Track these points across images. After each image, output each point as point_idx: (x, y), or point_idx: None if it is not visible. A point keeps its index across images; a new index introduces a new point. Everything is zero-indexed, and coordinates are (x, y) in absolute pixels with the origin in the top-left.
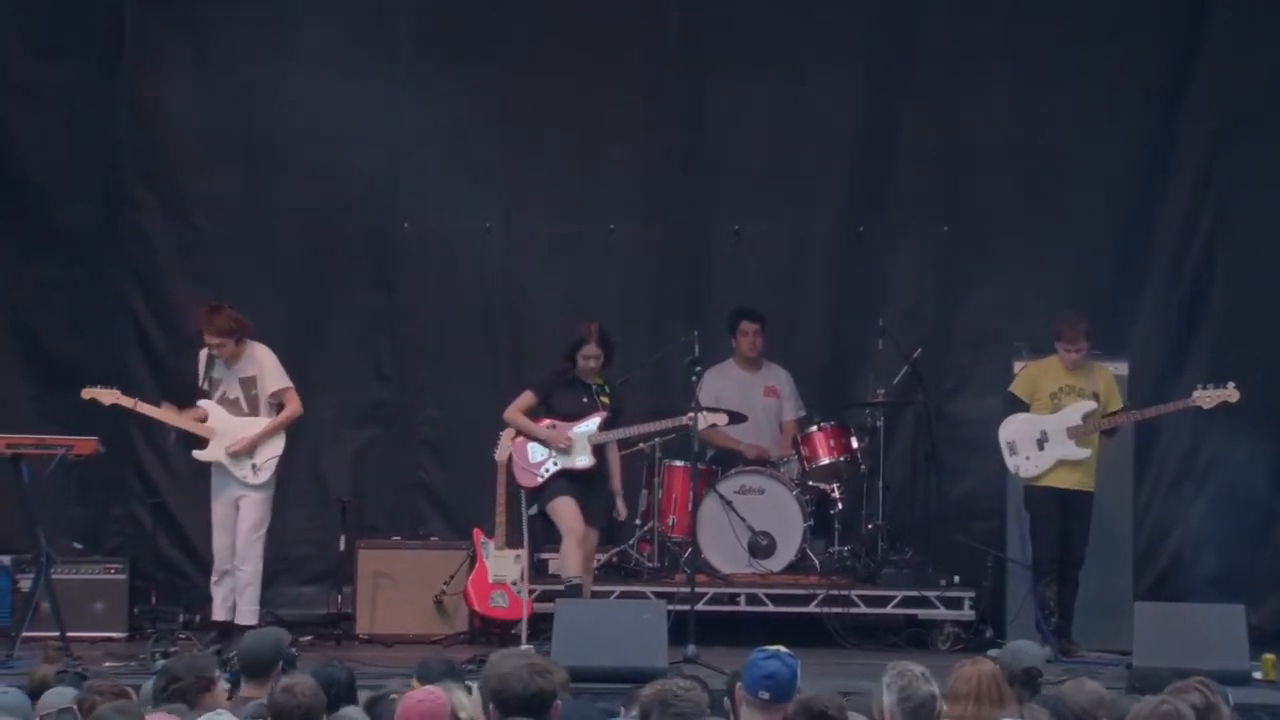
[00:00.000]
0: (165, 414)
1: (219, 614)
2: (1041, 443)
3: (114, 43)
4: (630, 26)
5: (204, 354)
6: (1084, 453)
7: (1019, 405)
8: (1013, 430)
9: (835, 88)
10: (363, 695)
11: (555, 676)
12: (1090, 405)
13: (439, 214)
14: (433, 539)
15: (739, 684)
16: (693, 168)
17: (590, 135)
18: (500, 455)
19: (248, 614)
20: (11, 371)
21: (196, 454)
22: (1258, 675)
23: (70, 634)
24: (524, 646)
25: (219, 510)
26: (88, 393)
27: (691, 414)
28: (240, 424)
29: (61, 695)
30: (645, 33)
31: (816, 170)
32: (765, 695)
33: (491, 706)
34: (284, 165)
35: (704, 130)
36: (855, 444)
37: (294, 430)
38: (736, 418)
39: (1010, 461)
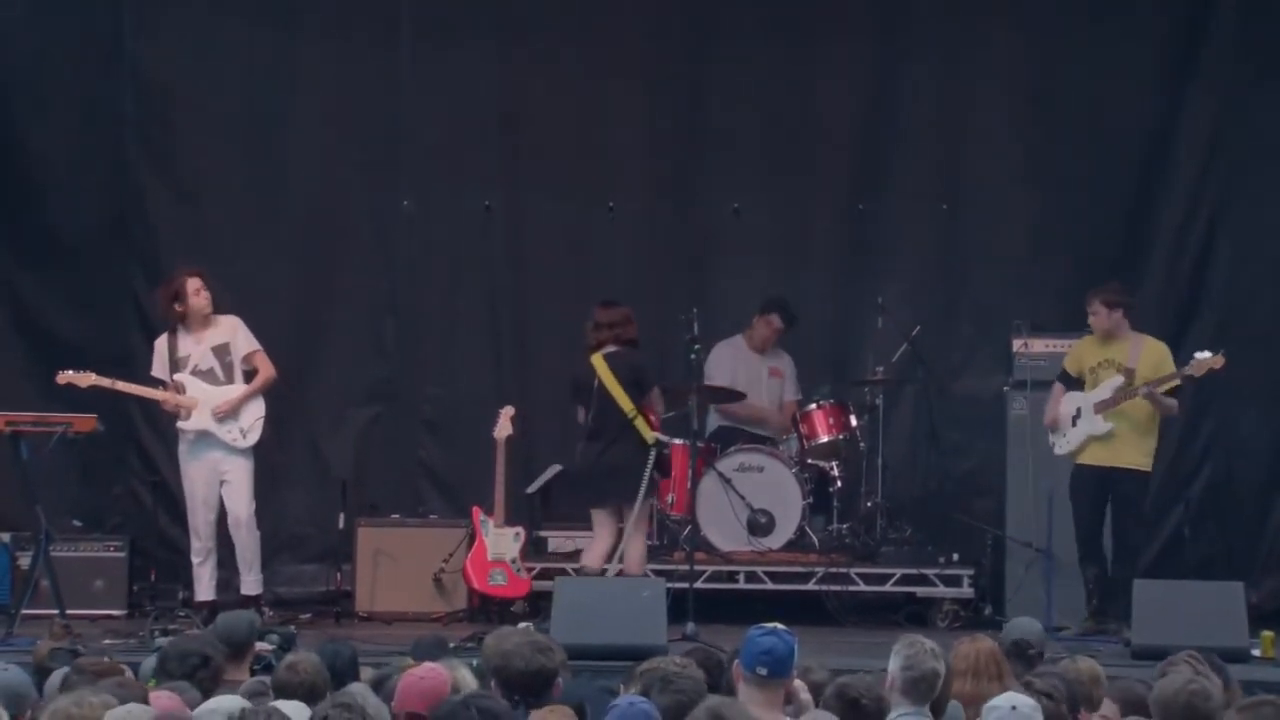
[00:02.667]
0: (145, 390)
1: (207, 594)
2: (1075, 419)
3: (117, 23)
4: (633, 5)
5: (161, 342)
6: (1106, 426)
7: (1071, 382)
8: (1057, 409)
9: (836, 66)
10: (364, 673)
11: (557, 655)
12: (1119, 379)
13: (440, 192)
14: (432, 517)
15: (737, 660)
16: (693, 146)
17: (591, 113)
18: (499, 433)
19: (254, 584)
20: (16, 353)
21: (181, 424)
22: (1256, 653)
23: (70, 612)
24: (522, 625)
25: (199, 484)
26: (63, 378)
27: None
28: (221, 391)
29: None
30: (648, 11)
31: (817, 149)
32: (763, 671)
33: (494, 684)
34: (286, 145)
35: (705, 109)
36: (854, 422)
37: (295, 408)
38: (734, 396)
39: (1050, 439)
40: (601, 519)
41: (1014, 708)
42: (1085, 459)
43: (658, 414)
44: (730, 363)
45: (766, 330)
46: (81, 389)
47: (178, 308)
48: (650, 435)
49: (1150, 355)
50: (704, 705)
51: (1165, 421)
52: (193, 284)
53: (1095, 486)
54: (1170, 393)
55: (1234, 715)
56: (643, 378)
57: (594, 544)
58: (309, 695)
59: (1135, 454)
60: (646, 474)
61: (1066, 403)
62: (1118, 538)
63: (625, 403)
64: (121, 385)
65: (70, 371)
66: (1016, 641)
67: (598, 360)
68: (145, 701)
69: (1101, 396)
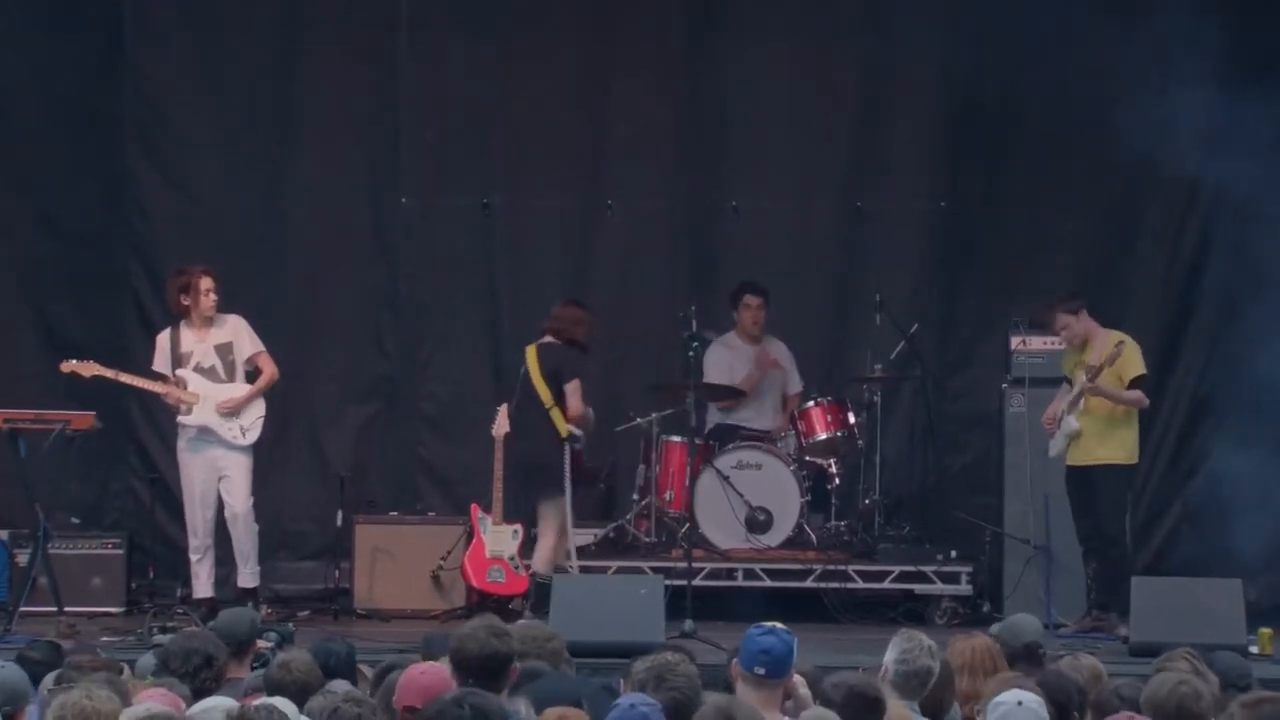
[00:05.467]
0: (148, 382)
1: (205, 590)
2: (1061, 421)
3: (117, 19)
4: (632, 2)
5: (163, 337)
6: (1076, 426)
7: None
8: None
9: (834, 63)
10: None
11: (512, 641)
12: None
13: (438, 189)
14: (430, 514)
15: (735, 659)
16: (692, 144)
17: (591, 111)
18: (498, 431)
19: (251, 576)
20: (16, 347)
21: (182, 418)
22: (1254, 649)
23: (68, 609)
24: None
25: (197, 480)
26: (66, 366)
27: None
28: (223, 388)
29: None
30: (647, 9)
31: (815, 146)
32: (761, 671)
33: (449, 667)
34: (285, 141)
35: (704, 107)
36: (852, 419)
37: (294, 405)
38: (733, 393)
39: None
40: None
41: (1020, 703)
42: (1069, 460)
43: (573, 412)
44: (727, 359)
45: (749, 314)
46: (84, 378)
47: (184, 301)
48: (564, 428)
49: (1114, 349)
50: (712, 705)
51: (1167, 419)
52: (206, 283)
53: (1080, 485)
54: (1132, 384)
55: (1237, 711)
56: (561, 370)
57: (539, 543)
58: (301, 693)
59: (1105, 449)
60: (566, 469)
61: (1058, 405)
62: (1094, 530)
63: (544, 393)
64: (124, 376)
65: (74, 361)
66: (1028, 645)
67: (529, 352)
68: (129, 698)
69: (1071, 397)
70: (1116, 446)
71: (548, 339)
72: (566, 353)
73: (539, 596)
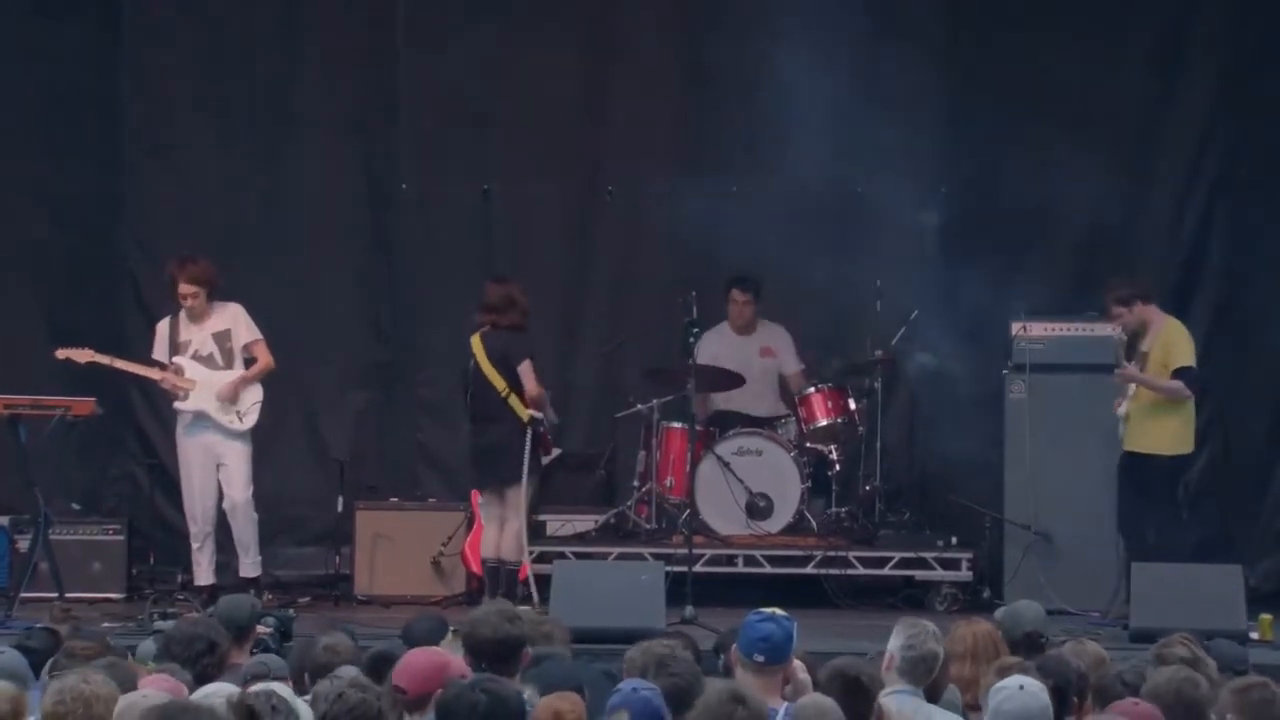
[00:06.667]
0: (143, 368)
1: (206, 577)
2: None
3: (114, 6)
4: None
5: (163, 325)
6: (1121, 411)
7: None
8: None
9: (831, 45)
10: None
11: (526, 625)
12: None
13: (438, 176)
14: (430, 500)
15: (734, 645)
16: (691, 129)
17: (589, 97)
18: None
19: (252, 566)
20: (16, 334)
21: (178, 405)
22: (1255, 635)
23: (68, 594)
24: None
25: (195, 467)
26: (62, 353)
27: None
28: (219, 375)
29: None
30: None
31: (814, 131)
32: (760, 658)
33: (463, 652)
34: (283, 128)
35: (702, 90)
36: (853, 405)
37: (294, 391)
38: (734, 381)
39: None
40: (489, 500)
41: (1021, 687)
42: (1123, 446)
43: (529, 393)
44: (714, 349)
45: (736, 309)
46: (79, 365)
47: (174, 296)
48: (524, 413)
49: (1161, 337)
50: (718, 690)
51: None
52: (183, 287)
53: (1123, 471)
54: (1176, 375)
55: (1227, 696)
56: (509, 355)
57: (486, 531)
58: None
59: (1146, 437)
60: (526, 454)
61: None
62: (1125, 519)
63: (498, 381)
64: (120, 363)
65: (69, 348)
66: (1029, 634)
67: (474, 341)
68: (134, 684)
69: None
70: (1157, 436)
71: (487, 327)
72: (510, 337)
73: (507, 582)
